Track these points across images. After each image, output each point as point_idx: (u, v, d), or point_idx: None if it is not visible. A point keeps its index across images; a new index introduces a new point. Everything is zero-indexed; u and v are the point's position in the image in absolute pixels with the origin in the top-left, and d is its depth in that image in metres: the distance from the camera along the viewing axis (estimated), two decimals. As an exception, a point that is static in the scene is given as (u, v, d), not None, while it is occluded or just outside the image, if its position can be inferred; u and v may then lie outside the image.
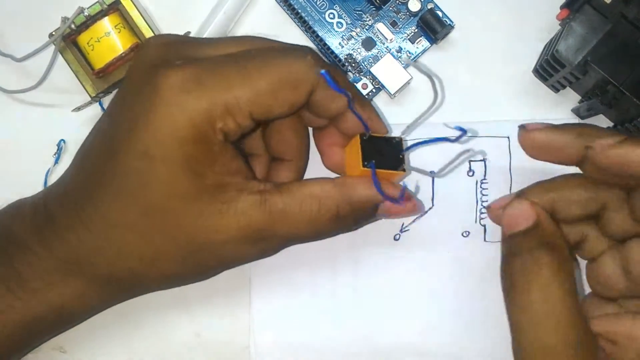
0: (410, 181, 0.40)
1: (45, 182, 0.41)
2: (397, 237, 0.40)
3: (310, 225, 0.33)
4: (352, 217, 0.34)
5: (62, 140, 0.41)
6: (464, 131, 0.32)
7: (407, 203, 0.35)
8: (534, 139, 0.33)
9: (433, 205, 0.40)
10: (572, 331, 0.29)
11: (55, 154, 0.41)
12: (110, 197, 0.33)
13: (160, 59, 0.32)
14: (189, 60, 0.32)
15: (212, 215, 0.32)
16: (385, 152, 0.33)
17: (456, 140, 0.33)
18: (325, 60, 0.35)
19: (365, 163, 0.33)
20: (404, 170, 0.34)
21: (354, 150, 0.34)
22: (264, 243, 0.34)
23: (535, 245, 0.31)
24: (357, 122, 0.33)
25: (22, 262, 0.33)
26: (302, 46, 0.35)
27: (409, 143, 0.39)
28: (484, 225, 0.40)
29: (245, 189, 0.33)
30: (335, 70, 0.34)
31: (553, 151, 0.33)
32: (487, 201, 0.40)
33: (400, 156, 0.34)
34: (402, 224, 0.40)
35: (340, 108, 0.33)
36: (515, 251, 0.31)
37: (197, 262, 0.34)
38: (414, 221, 0.40)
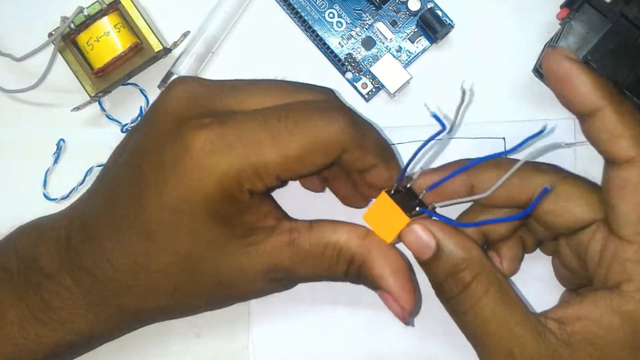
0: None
1: (45, 182, 0.41)
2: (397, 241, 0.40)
3: (328, 270, 0.34)
4: (356, 278, 0.34)
5: (62, 139, 0.41)
6: (441, 123, 0.31)
7: (398, 310, 0.34)
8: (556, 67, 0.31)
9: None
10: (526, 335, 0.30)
11: (54, 154, 0.41)
12: (139, 241, 0.33)
13: (187, 110, 0.32)
14: (218, 117, 0.32)
15: (240, 257, 0.33)
16: (409, 202, 0.33)
17: (435, 136, 0.32)
18: (358, 117, 0.34)
19: (414, 212, 0.33)
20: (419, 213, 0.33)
21: (383, 210, 0.33)
22: (285, 281, 0.35)
23: (449, 272, 0.31)
24: (383, 179, 0.34)
25: (50, 293, 0.34)
26: (334, 102, 0.34)
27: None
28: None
29: (275, 231, 0.33)
30: (368, 128, 0.34)
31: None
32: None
33: (417, 195, 0.34)
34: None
35: (366, 166, 0.33)
36: (434, 280, 0.32)
37: (223, 298, 0.35)
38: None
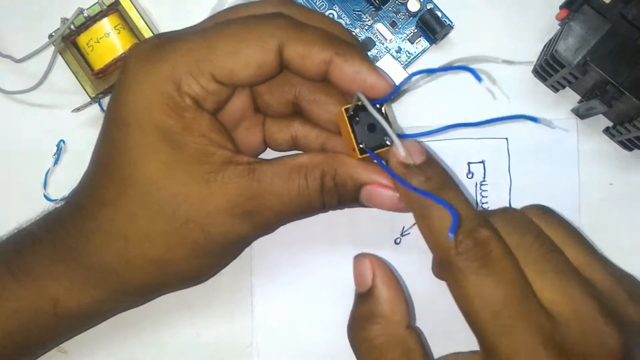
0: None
1: (45, 183, 0.41)
2: (398, 240, 0.40)
3: (299, 195, 0.32)
4: (336, 195, 0.33)
5: (62, 140, 0.41)
6: (473, 72, 0.29)
7: (390, 193, 0.32)
8: None
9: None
10: None
11: (54, 155, 0.41)
12: (97, 174, 0.33)
13: (140, 41, 0.34)
14: (158, 36, 0.33)
15: (196, 185, 0.31)
16: (375, 123, 0.31)
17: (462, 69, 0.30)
18: (304, 13, 0.34)
19: (361, 146, 0.31)
20: (390, 144, 0.31)
21: (344, 129, 0.32)
22: (254, 216, 0.32)
23: (364, 317, 0.31)
24: (345, 77, 0.32)
25: (29, 250, 0.34)
26: (274, 13, 0.33)
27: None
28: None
29: (232, 161, 0.32)
30: (314, 21, 0.33)
31: None
32: (487, 202, 0.40)
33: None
34: (403, 227, 0.40)
35: (322, 64, 0.32)
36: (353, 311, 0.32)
37: (183, 239, 0.32)
38: (414, 224, 0.40)
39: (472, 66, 0.29)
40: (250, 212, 0.32)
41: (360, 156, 0.31)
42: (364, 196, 0.33)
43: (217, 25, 0.33)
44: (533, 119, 0.31)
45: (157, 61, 0.32)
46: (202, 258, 0.34)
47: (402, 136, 0.32)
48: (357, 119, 0.31)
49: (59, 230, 0.34)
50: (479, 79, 0.28)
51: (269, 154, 0.38)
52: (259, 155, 0.38)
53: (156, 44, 0.32)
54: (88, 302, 0.34)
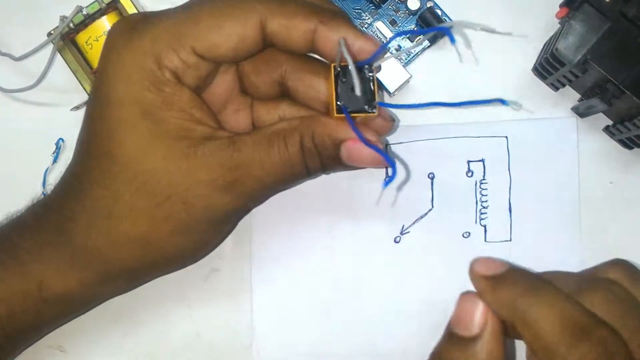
0: (409, 181, 0.40)
1: (44, 181, 0.41)
2: (398, 239, 0.40)
3: (281, 161, 0.32)
4: (317, 155, 0.32)
5: (61, 139, 0.41)
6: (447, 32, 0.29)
7: (368, 149, 0.32)
8: None
9: (433, 207, 0.40)
10: None
11: (53, 153, 0.41)
12: (81, 153, 0.33)
13: (123, 17, 0.34)
14: (142, 13, 0.33)
15: (176, 160, 0.31)
16: (360, 88, 0.30)
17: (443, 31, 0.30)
18: None
19: (339, 104, 0.31)
20: (374, 111, 0.31)
21: (329, 87, 0.31)
22: (237, 187, 0.32)
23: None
24: (332, 45, 0.31)
25: (17, 234, 0.34)
26: None
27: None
28: (485, 226, 0.40)
29: (213, 136, 0.32)
30: None
31: None
32: (486, 201, 0.40)
33: (372, 89, 0.31)
34: (403, 226, 0.40)
35: (306, 33, 0.32)
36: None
37: (166, 215, 0.32)
38: (414, 223, 0.40)
39: (451, 31, 0.29)
40: (232, 182, 0.32)
41: (337, 115, 0.31)
42: (344, 154, 0.32)
43: (199, 1, 0.32)
44: (503, 102, 0.30)
45: (138, 35, 0.32)
46: (186, 235, 0.34)
47: (380, 105, 0.32)
48: (344, 79, 0.31)
49: (45, 213, 0.34)
50: (452, 40, 0.28)
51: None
52: None
53: (138, 19, 0.32)
54: (74, 285, 0.34)
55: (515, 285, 0.28)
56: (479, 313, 0.29)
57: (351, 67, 0.29)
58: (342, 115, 0.31)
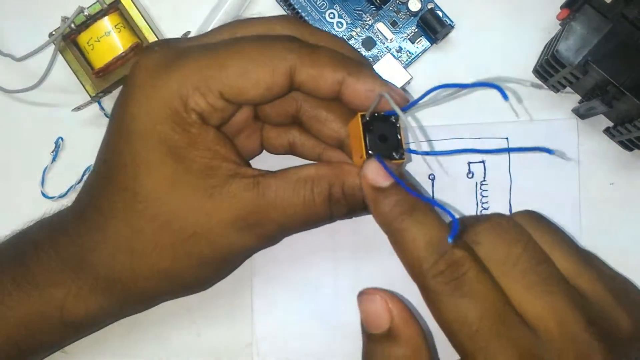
0: (401, 168, 0.40)
1: (43, 180, 0.41)
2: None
3: (305, 208, 0.32)
4: (345, 204, 0.33)
5: (60, 138, 0.41)
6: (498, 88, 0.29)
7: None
8: None
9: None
10: None
11: (52, 152, 0.41)
12: (102, 186, 0.33)
13: (147, 51, 0.34)
14: (167, 47, 0.33)
15: (201, 199, 0.32)
16: (387, 135, 0.31)
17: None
18: (311, 33, 0.34)
19: (370, 153, 0.31)
20: (403, 158, 0.32)
21: (356, 134, 0.32)
22: (259, 229, 0.33)
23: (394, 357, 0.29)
24: (359, 96, 0.32)
25: (33, 258, 0.34)
26: (284, 35, 0.34)
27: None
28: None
29: (237, 174, 0.32)
30: (322, 42, 0.34)
31: None
32: (487, 202, 0.40)
33: (398, 138, 0.32)
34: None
35: (334, 85, 0.32)
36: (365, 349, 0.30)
37: (189, 251, 0.33)
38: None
39: (498, 84, 0.29)
40: (254, 225, 0.32)
41: (365, 157, 0.31)
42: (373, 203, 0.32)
43: (227, 43, 0.33)
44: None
45: (165, 76, 0.32)
46: (207, 268, 0.34)
47: (409, 152, 0.32)
48: (370, 127, 0.31)
49: (63, 239, 0.34)
50: (505, 97, 0.28)
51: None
52: (255, 156, 0.38)
53: (165, 57, 0.32)
54: (95, 309, 0.34)
55: (396, 203, 0.29)
56: (380, 308, 0.29)
57: (401, 116, 0.30)
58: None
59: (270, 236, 0.34)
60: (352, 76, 0.32)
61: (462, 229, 0.29)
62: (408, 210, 0.29)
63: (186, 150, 0.32)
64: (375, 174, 0.30)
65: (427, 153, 0.33)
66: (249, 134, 0.37)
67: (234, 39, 0.33)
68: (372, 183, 0.30)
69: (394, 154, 0.31)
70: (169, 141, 0.31)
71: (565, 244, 0.30)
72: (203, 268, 0.34)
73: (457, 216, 0.29)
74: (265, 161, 0.38)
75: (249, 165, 0.34)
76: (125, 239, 0.33)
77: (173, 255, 0.33)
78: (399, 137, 0.31)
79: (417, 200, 0.29)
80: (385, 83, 0.32)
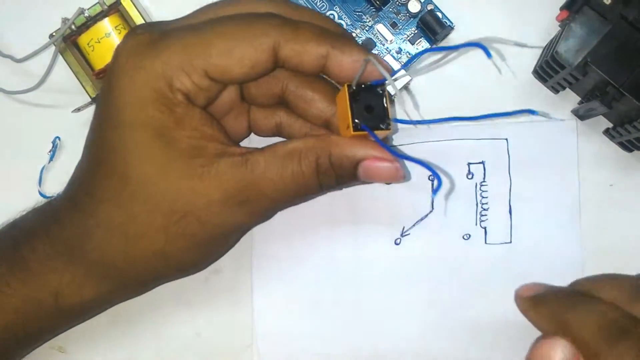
0: (409, 183, 0.40)
1: (40, 179, 0.41)
2: (398, 241, 0.40)
3: (294, 181, 0.32)
4: (333, 175, 0.33)
5: (57, 137, 0.41)
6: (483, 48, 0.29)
7: (388, 164, 0.33)
8: None
9: (433, 209, 0.40)
10: None
11: (50, 151, 0.41)
12: (92, 172, 0.33)
13: (131, 33, 0.34)
14: (150, 30, 0.33)
15: (191, 179, 0.32)
16: (373, 106, 0.32)
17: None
18: (296, 11, 0.34)
19: (356, 122, 0.31)
20: (389, 128, 0.32)
21: (343, 105, 0.32)
22: (250, 205, 0.33)
23: None
24: (344, 68, 0.32)
25: (27, 247, 0.34)
26: (267, 12, 0.34)
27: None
28: (485, 228, 0.40)
29: (225, 153, 0.32)
30: (306, 18, 0.34)
31: None
32: (487, 203, 0.40)
33: (385, 107, 0.32)
34: (403, 228, 0.40)
35: (318, 58, 0.32)
36: None
37: (182, 231, 0.33)
38: (414, 225, 0.40)
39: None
40: (245, 201, 0.32)
41: (353, 133, 0.31)
42: (362, 172, 0.33)
43: (211, 22, 0.33)
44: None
45: (149, 58, 0.32)
46: (200, 248, 0.34)
47: (395, 121, 0.32)
48: (357, 98, 0.31)
49: (56, 226, 0.34)
50: (488, 54, 0.29)
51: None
52: (244, 139, 0.39)
53: (148, 38, 0.32)
54: (90, 295, 0.34)
55: (555, 299, 0.30)
56: (560, 352, 0.29)
57: (389, 79, 0.30)
58: (357, 133, 0.31)
59: (262, 212, 0.34)
60: (336, 49, 0.32)
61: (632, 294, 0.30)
62: (567, 302, 0.30)
63: (173, 131, 0.32)
64: (527, 287, 0.32)
65: (413, 122, 0.33)
66: (236, 115, 0.37)
67: (217, 18, 0.33)
68: (526, 295, 0.32)
69: (380, 124, 0.31)
70: (156, 123, 0.32)
71: None
72: (196, 248, 0.34)
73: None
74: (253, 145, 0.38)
75: (237, 145, 0.34)
76: (118, 223, 0.33)
77: (166, 237, 0.33)
78: (385, 106, 0.32)
79: (571, 291, 0.31)
80: (369, 53, 0.33)
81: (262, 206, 0.33)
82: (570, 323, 0.29)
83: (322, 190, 0.34)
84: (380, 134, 0.32)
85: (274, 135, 0.38)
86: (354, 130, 0.31)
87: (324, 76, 0.35)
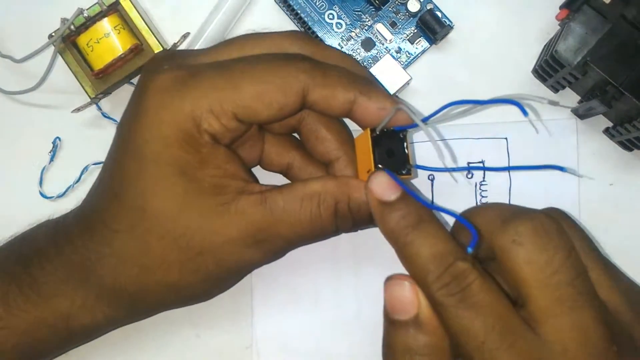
0: (408, 183, 0.40)
1: (41, 180, 0.41)
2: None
3: (312, 223, 0.32)
4: (351, 219, 0.33)
5: (58, 137, 0.41)
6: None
7: None
8: None
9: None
10: None
11: (50, 152, 0.41)
12: (109, 201, 0.33)
13: (156, 66, 0.33)
14: (178, 66, 0.33)
15: (210, 217, 0.32)
16: (394, 151, 0.32)
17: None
18: (323, 51, 0.35)
19: (379, 167, 0.31)
20: (410, 173, 0.32)
21: (364, 149, 0.32)
22: (266, 245, 0.33)
23: (405, 349, 0.29)
24: (370, 114, 0.32)
25: (38, 267, 0.34)
26: (296, 54, 0.34)
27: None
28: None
29: (245, 191, 0.32)
30: (333, 63, 0.34)
31: None
32: (487, 203, 0.40)
33: (406, 153, 0.32)
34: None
35: (346, 104, 0.32)
36: (395, 344, 0.30)
37: (196, 267, 0.33)
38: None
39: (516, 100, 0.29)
40: (261, 241, 0.33)
41: (373, 169, 0.31)
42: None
43: (240, 63, 0.33)
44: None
45: (178, 97, 0.31)
46: (213, 282, 0.35)
47: (416, 167, 0.33)
48: (378, 142, 0.32)
49: (68, 248, 0.34)
50: (525, 113, 0.28)
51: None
52: (253, 167, 0.38)
53: (177, 77, 0.32)
54: (100, 318, 0.34)
55: (402, 217, 0.29)
56: (408, 293, 0.29)
57: (422, 126, 0.30)
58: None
59: (277, 251, 0.34)
60: (363, 95, 0.32)
61: (499, 222, 0.28)
62: (414, 223, 0.29)
63: (197, 170, 0.32)
64: (382, 187, 0.30)
65: (434, 169, 0.33)
66: (252, 144, 0.37)
67: (246, 58, 0.33)
68: (378, 196, 0.30)
69: (401, 169, 0.32)
70: (180, 161, 0.31)
71: (592, 251, 0.30)
72: (209, 282, 0.34)
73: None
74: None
75: (257, 181, 0.34)
76: (132, 254, 0.33)
77: (180, 271, 0.33)
78: (407, 152, 0.32)
79: (422, 213, 0.29)
80: (396, 100, 0.33)
81: (278, 246, 0.33)
82: (407, 250, 0.29)
83: (338, 232, 0.34)
84: (400, 179, 0.31)
85: (280, 173, 0.38)
86: (377, 168, 0.31)
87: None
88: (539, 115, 0.40)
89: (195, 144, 0.31)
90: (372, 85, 0.34)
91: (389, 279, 0.30)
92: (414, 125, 0.31)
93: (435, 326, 0.29)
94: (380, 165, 0.31)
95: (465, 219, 0.29)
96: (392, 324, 0.30)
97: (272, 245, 0.33)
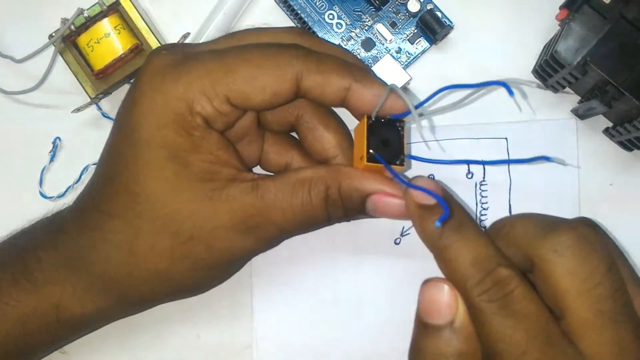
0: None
1: (41, 180, 0.41)
2: (398, 241, 0.40)
3: (303, 210, 0.32)
4: (341, 206, 0.33)
5: (58, 137, 0.41)
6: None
7: (397, 202, 0.32)
8: None
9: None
10: None
11: (50, 152, 0.41)
12: (104, 186, 0.34)
13: (155, 53, 0.34)
14: (175, 52, 0.33)
15: (200, 202, 0.32)
16: (390, 140, 0.32)
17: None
18: (318, 43, 0.35)
19: (371, 152, 0.31)
20: (403, 164, 0.32)
21: (360, 136, 0.32)
22: (258, 232, 0.33)
23: (448, 352, 0.28)
24: (365, 101, 0.32)
25: (32, 256, 0.34)
26: (291, 43, 0.34)
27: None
28: (485, 227, 0.40)
29: (237, 179, 0.32)
30: (328, 52, 0.34)
31: None
32: (486, 202, 0.40)
33: (401, 144, 0.32)
34: (403, 228, 0.40)
35: (340, 91, 0.32)
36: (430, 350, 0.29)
37: (187, 254, 0.33)
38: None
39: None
40: (253, 227, 0.32)
41: (366, 164, 0.31)
42: (370, 206, 0.33)
43: (235, 49, 0.33)
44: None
45: (171, 79, 0.32)
46: (205, 271, 0.34)
47: (409, 158, 0.33)
48: (375, 131, 0.32)
49: (62, 237, 0.34)
50: (511, 93, 0.29)
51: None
52: (254, 167, 0.38)
53: (173, 60, 0.33)
54: (90, 308, 0.34)
55: (442, 221, 0.28)
56: (446, 297, 0.28)
57: (413, 111, 0.30)
58: (370, 164, 0.31)
59: (269, 239, 0.34)
60: (358, 82, 0.32)
61: (539, 232, 0.28)
62: (454, 227, 0.28)
63: (188, 154, 0.32)
64: (421, 193, 0.29)
65: (428, 160, 0.33)
66: (250, 141, 0.37)
67: (241, 45, 0.33)
68: (417, 200, 0.29)
69: (394, 159, 0.32)
70: (172, 144, 0.32)
71: (626, 265, 0.29)
72: (200, 271, 0.34)
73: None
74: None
75: (250, 170, 0.34)
76: (124, 239, 0.33)
77: (170, 258, 0.33)
78: (402, 143, 0.32)
79: (462, 217, 0.29)
80: (392, 85, 0.33)
81: (270, 233, 0.33)
82: (446, 254, 0.28)
83: (330, 221, 0.34)
84: (393, 169, 0.32)
85: (277, 173, 0.38)
86: (368, 161, 0.31)
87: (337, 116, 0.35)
88: (541, 115, 0.40)
89: (188, 126, 0.32)
90: (366, 72, 0.33)
91: (427, 282, 0.29)
92: (409, 113, 0.31)
93: (471, 333, 0.28)
94: (371, 151, 0.31)
95: (496, 226, 0.29)
96: (424, 327, 0.29)
97: (264, 233, 0.33)
